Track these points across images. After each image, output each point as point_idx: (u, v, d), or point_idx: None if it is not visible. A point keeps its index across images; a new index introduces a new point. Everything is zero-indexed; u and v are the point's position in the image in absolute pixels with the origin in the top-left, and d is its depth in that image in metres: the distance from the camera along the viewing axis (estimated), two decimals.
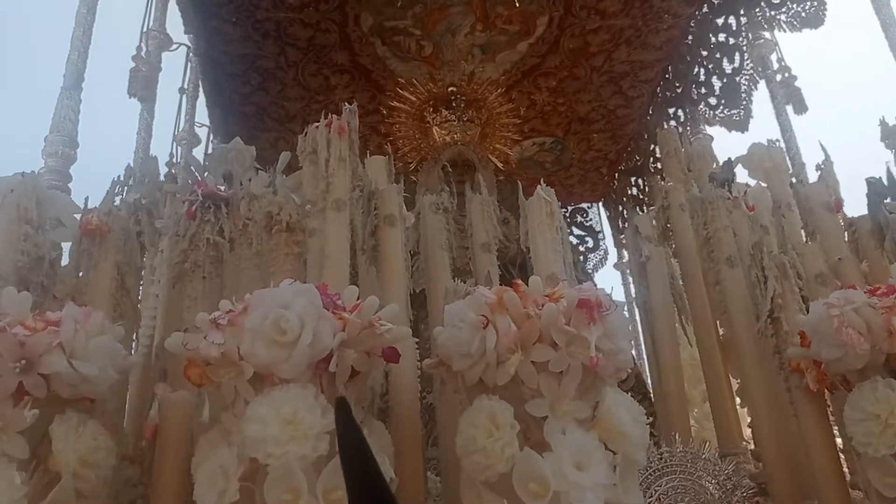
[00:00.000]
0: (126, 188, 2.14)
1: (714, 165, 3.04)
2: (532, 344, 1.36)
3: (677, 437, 1.83)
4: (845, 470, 1.81)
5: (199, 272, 1.86)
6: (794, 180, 2.93)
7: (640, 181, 6.03)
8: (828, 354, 1.60)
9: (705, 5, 4.67)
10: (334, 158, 2.07)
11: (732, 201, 2.35)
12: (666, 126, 5.34)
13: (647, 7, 4.66)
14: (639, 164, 5.92)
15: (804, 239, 2.50)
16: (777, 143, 3.39)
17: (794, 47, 4.13)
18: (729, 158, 2.63)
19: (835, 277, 2.04)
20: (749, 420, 2.74)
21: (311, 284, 1.37)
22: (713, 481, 1.76)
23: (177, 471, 1.54)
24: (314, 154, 2.75)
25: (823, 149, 2.99)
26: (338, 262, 1.92)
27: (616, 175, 6.23)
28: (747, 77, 4.67)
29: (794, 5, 4.14)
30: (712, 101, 4.97)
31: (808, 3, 4.12)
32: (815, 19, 4.09)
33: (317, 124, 2.32)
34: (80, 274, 1.89)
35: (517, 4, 4.57)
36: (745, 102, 4.73)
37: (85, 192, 2.33)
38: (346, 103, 2.37)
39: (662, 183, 3.16)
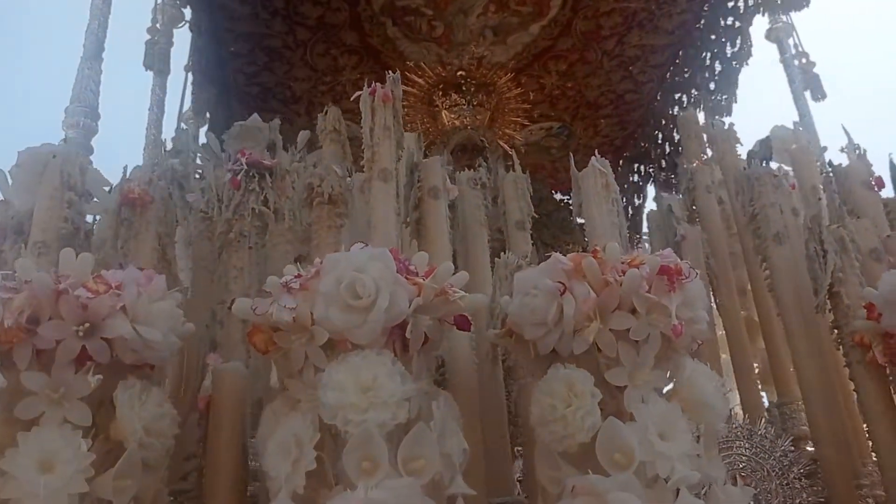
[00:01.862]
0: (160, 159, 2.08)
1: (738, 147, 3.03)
2: (611, 311, 1.32)
3: (733, 412, 1.80)
4: None
5: (245, 242, 1.80)
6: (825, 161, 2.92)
7: (642, 168, 6.00)
8: None
9: None
10: (379, 127, 2.01)
11: (776, 178, 2.32)
12: (671, 112, 5.38)
13: None
14: (644, 150, 5.89)
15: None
16: (799, 128, 3.39)
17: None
18: (767, 136, 2.60)
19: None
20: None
21: (384, 249, 1.32)
22: (769, 458, 1.73)
23: (232, 442, 1.51)
24: (335, 133, 2.72)
25: (847, 133, 2.99)
26: (386, 234, 1.88)
27: (620, 162, 6.19)
28: (737, 62, 4.63)
29: None
30: (712, 86, 4.93)
31: None
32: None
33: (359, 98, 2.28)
34: (120, 244, 1.83)
35: None
36: (732, 87, 4.69)
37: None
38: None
39: (687, 165, 3.14)
